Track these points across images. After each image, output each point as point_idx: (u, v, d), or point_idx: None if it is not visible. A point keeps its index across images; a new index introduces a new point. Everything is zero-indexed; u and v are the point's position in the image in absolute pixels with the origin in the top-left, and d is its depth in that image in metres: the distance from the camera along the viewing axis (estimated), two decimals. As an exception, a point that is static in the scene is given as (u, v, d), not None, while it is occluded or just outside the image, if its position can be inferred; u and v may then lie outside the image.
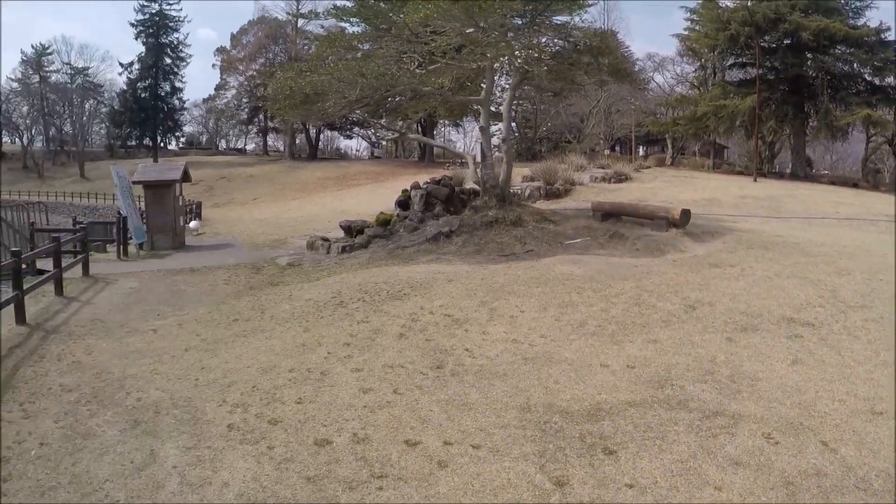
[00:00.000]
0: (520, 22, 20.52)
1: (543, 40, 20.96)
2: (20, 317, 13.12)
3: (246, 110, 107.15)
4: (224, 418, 7.60)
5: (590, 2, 21.09)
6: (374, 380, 8.35)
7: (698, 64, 59.02)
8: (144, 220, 26.58)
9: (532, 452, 6.40)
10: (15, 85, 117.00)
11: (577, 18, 21.42)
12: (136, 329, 12.57)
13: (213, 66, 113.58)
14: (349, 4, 23.36)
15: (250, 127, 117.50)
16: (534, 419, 7.06)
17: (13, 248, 15.66)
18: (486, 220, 18.60)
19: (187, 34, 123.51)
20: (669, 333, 9.71)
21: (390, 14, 21.13)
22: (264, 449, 6.75)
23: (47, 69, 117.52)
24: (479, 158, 21.70)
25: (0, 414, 8.08)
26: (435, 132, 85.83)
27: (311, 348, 9.87)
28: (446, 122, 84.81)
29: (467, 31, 19.69)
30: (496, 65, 21.00)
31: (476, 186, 22.32)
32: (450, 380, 8.19)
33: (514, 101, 23.82)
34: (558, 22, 20.86)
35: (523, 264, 14.30)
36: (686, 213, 18.67)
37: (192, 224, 34.41)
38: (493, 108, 22.92)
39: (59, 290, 16.31)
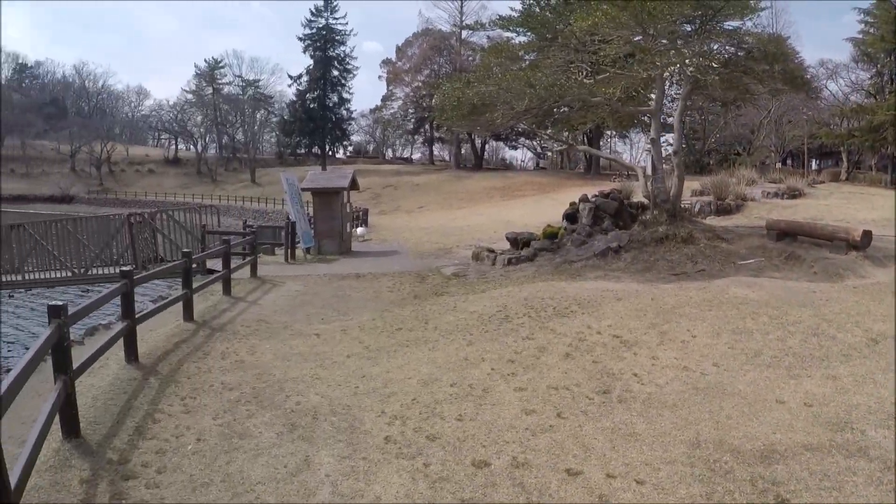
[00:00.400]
0: (689, 28, 19.83)
1: (715, 47, 20.16)
2: (188, 314, 13.64)
3: (412, 120, 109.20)
4: (382, 430, 7.50)
5: (761, 5, 20.23)
6: (537, 401, 8.01)
7: (874, 70, 55.24)
8: (312, 226, 27.23)
9: (699, 494, 5.90)
10: (190, 96, 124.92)
11: (748, 23, 20.58)
12: (300, 332, 12.78)
13: (380, 77, 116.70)
14: (514, 14, 23.20)
15: (416, 137, 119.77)
16: (703, 456, 6.53)
17: (184, 249, 16.24)
18: (656, 237, 17.96)
19: (353, 47, 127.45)
20: (850, 369, 8.86)
21: (556, 23, 20.82)
22: (420, 465, 6.57)
23: (220, 81, 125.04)
24: (648, 171, 21.03)
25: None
26: (601, 143, 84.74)
27: (474, 363, 9.63)
28: (612, 132, 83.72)
29: (635, 39, 19.19)
30: (666, 74, 20.35)
31: (644, 200, 21.71)
32: (616, 406, 7.73)
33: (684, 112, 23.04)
34: (729, 27, 20.03)
35: (695, 285, 13.59)
36: (867, 235, 17.44)
37: (359, 230, 35.09)
38: (662, 119, 22.20)
39: (226, 289, 16.87)
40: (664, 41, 19.14)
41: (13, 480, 5.17)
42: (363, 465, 6.64)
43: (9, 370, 6.88)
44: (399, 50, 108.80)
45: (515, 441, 6.99)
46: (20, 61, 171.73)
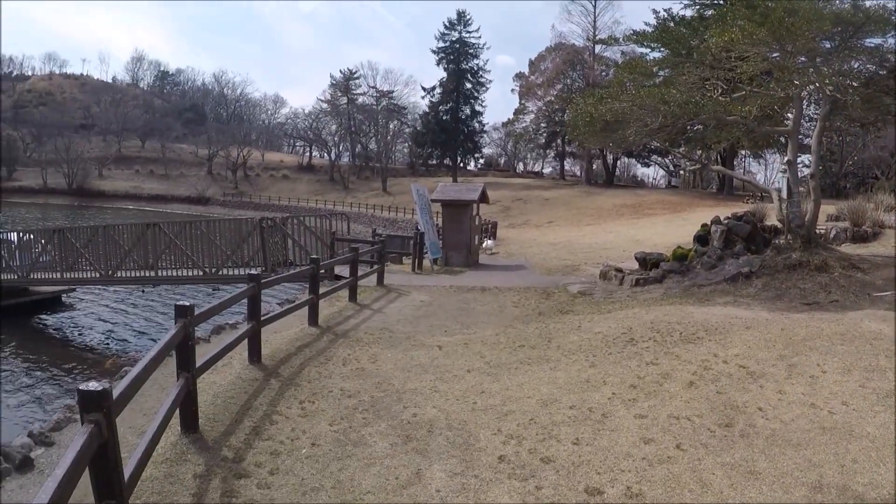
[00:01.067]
0: (829, 45, 19.03)
1: (855, 66, 19.27)
2: (313, 318, 13.98)
3: (544, 135, 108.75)
4: (496, 448, 7.43)
5: None
6: (657, 430, 7.72)
7: None
8: (440, 237, 27.41)
9: (818, 541, 5.54)
10: (325, 105, 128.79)
11: (890, 40, 19.58)
12: (422, 343, 12.86)
13: (512, 91, 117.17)
14: (648, 30, 22.82)
15: (548, 151, 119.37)
16: (824, 502, 6.13)
17: (313, 255, 16.55)
18: (789, 263, 17.21)
19: (486, 60, 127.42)
20: None
21: (691, 39, 20.35)
22: (532, 488, 6.45)
23: (354, 92, 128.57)
24: (783, 193, 20.25)
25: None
26: (735, 163, 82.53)
27: (596, 386, 9.41)
28: (746, 152, 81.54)
29: (772, 56, 18.55)
30: (804, 93, 19.59)
31: (778, 224, 20.97)
32: (738, 441, 7.35)
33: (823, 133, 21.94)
34: (871, 45, 19.10)
35: (827, 316, 12.86)
36: None
37: (487, 243, 35.10)
38: (799, 140, 21.30)
39: (352, 296, 17.19)
40: (802, 59, 18.45)
41: (129, 469, 5.36)
42: (474, 483, 6.59)
43: (136, 362, 7.17)
44: (532, 64, 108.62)
45: (631, 470, 6.77)
46: (162, 68, 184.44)
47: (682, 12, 27.05)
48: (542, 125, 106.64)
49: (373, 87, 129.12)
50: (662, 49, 22.35)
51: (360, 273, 18.26)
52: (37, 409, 14.54)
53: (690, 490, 6.35)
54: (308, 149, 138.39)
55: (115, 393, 4.82)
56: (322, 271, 15.23)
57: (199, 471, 6.87)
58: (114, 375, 12.85)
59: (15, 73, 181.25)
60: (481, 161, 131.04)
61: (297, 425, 8.21)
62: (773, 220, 22.55)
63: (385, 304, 17.26)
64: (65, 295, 26.64)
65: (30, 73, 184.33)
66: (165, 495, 6.34)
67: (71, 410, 10.43)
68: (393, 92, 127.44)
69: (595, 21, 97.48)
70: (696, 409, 8.28)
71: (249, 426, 8.12)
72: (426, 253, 25.38)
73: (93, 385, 4.52)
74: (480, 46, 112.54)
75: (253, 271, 11.20)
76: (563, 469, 6.85)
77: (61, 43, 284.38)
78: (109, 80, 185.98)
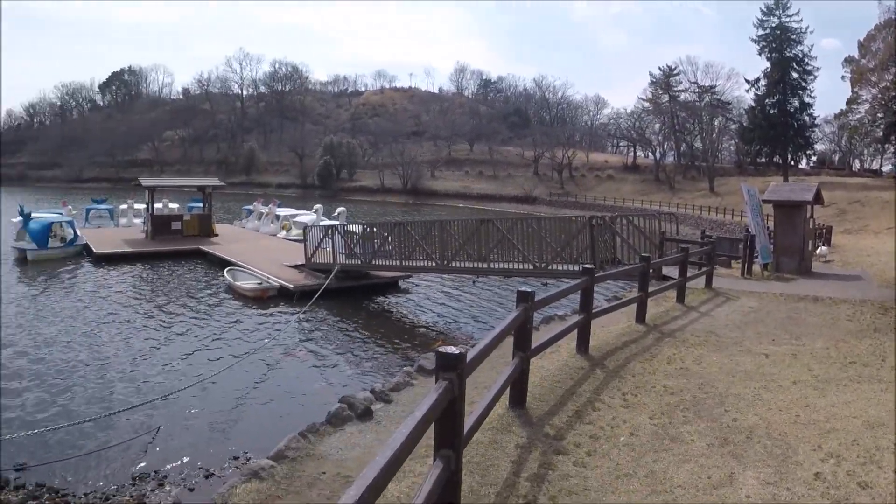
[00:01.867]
0: None
1: None
2: (640, 316, 14.42)
3: (881, 126, 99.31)
4: (814, 464, 7.19)
5: None
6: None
7: None
8: (771, 241, 26.52)
9: None
10: (646, 104, 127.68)
11: None
12: (748, 349, 12.66)
13: (843, 78, 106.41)
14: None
15: (886, 146, 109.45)
16: None
17: (643, 254, 16.79)
18: None
19: (811, 46, 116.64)
20: None
21: None
22: (839, 512, 6.21)
23: (675, 89, 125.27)
24: None
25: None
26: None
27: (929, 413, 8.71)
28: None
29: None
30: None
31: None
32: None
33: None
34: None
35: None
36: None
37: (821, 249, 33.33)
38: None
39: (680, 297, 17.35)
40: None
41: (464, 429, 6.04)
42: (786, 496, 6.47)
43: (473, 345, 7.96)
44: (861, 46, 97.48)
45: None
46: (484, 77, 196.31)
47: None
48: (879, 115, 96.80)
49: (693, 83, 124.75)
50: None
51: (688, 275, 18.28)
52: (375, 373, 17.00)
53: None
54: (632, 149, 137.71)
55: (468, 357, 5.59)
56: (650, 271, 15.47)
57: (521, 442, 7.52)
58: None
59: (350, 90, 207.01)
60: (814, 158, 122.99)
61: (617, 414, 8.57)
62: None
63: (712, 308, 17.10)
64: (401, 280, 29.67)
65: (363, 90, 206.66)
66: (488, 458, 7.08)
67: (409, 376, 11.74)
68: (715, 86, 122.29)
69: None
70: None
71: (572, 409, 8.64)
72: (756, 257, 24.63)
73: (451, 349, 5.33)
74: (803, 31, 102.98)
75: (586, 266, 11.70)
76: (880, 497, 6.48)
77: (391, 63, 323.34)
78: (435, 91, 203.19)
